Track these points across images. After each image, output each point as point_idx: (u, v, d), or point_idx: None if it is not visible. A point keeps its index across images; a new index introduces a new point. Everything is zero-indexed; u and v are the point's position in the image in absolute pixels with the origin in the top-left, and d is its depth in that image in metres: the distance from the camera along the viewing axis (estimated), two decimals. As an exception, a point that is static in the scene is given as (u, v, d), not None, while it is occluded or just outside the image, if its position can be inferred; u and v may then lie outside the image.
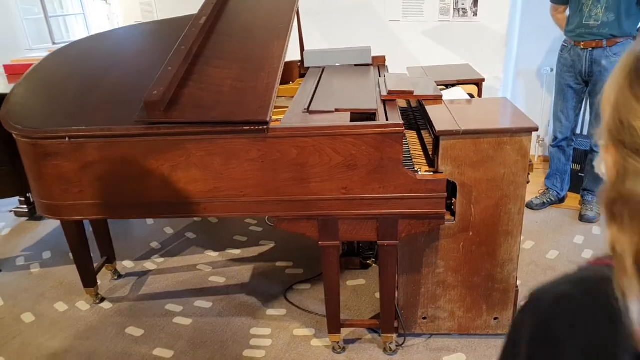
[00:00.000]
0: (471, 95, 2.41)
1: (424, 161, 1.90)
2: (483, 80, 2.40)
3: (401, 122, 1.67)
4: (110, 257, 2.52)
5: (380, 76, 2.51)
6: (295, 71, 2.88)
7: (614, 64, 2.56)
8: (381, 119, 1.82)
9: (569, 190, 3.20)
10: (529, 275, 2.45)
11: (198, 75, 1.85)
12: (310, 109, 1.89)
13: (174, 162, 1.71)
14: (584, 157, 3.05)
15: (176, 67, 1.80)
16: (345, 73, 2.56)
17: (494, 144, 1.72)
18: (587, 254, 2.59)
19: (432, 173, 1.80)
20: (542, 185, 3.24)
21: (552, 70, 3.36)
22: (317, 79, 2.43)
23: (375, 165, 1.69)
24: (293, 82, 2.83)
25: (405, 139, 2.12)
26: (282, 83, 2.83)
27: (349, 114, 1.84)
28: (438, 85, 2.39)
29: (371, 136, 1.65)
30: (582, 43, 2.64)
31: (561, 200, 3.12)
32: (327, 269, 1.87)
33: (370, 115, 1.90)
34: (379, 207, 1.73)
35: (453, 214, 1.84)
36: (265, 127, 1.64)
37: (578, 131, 3.32)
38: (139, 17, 4.05)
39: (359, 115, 1.91)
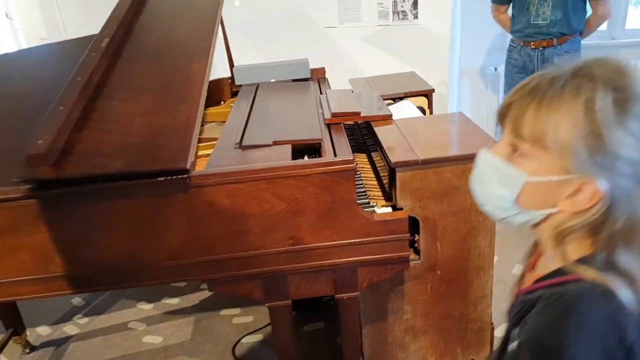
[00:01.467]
0: (421, 109, 2.20)
1: (380, 193, 1.65)
2: (432, 90, 2.19)
3: (352, 156, 1.41)
4: (17, 328, 2.11)
5: (321, 93, 2.26)
6: (226, 89, 2.57)
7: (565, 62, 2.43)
8: (328, 151, 1.55)
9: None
10: (499, 297, 2.26)
11: (99, 113, 1.51)
12: (244, 142, 1.60)
13: (75, 227, 1.37)
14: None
15: (70, 105, 1.45)
16: (282, 91, 2.27)
17: (458, 172, 1.50)
18: (553, 266, 2.44)
19: (390, 209, 1.56)
20: None
21: (495, 69, 3.24)
22: (251, 100, 2.14)
23: (325, 209, 1.42)
24: (224, 102, 2.51)
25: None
26: (212, 104, 2.52)
27: (289, 147, 1.56)
28: (385, 99, 2.16)
29: (318, 176, 1.38)
30: (532, 43, 2.49)
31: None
32: (278, 332, 1.58)
33: (315, 146, 1.64)
34: (334, 256, 1.46)
35: (417, 252, 1.61)
36: (186, 175, 1.33)
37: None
38: (43, 34, 3.57)
39: (302, 147, 1.64)
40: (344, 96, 2.01)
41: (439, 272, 1.63)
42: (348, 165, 1.38)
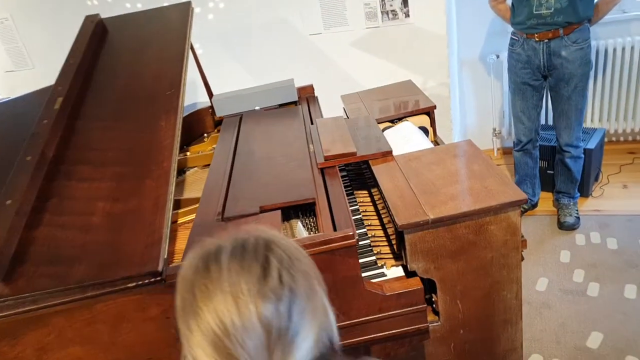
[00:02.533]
0: (424, 129, 1.98)
1: (387, 249, 1.46)
2: (433, 107, 1.97)
3: (351, 227, 1.22)
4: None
5: (311, 119, 2.04)
6: (207, 120, 2.35)
7: (574, 53, 2.19)
8: (323, 212, 1.35)
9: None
10: (525, 321, 2.08)
11: (56, 202, 1.31)
12: (227, 212, 1.39)
13: (40, 344, 1.18)
14: (551, 153, 2.71)
15: (19, 199, 1.25)
16: (267, 124, 2.05)
17: (474, 228, 1.30)
18: (579, 276, 2.26)
19: (401, 269, 1.37)
20: None
21: (497, 57, 2.99)
22: (234, 140, 1.92)
23: (327, 290, 1.22)
24: (207, 135, 2.30)
25: (356, 205, 1.67)
26: (193, 139, 2.31)
27: (279, 214, 1.36)
28: (383, 121, 1.94)
29: (314, 257, 1.18)
30: (536, 35, 2.25)
31: (534, 205, 2.78)
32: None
33: (310, 205, 1.44)
34: (342, 338, 1.28)
35: (436, 312, 1.42)
36: (160, 277, 1.13)
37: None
38: (10, 66, 3.33)
39: (294, 207, 1.44)
40: (337, 129, 1.79)
41: (461, 332, 1.44)
42: (348, 242, 1.18)
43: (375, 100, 2.16)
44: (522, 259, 1.38)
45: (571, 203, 2.61)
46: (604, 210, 2.67)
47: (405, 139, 1.82)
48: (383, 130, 1.96)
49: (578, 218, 2.58)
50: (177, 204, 1.66)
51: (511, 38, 2.37)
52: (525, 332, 2.01)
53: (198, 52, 2.95)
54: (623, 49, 2.89)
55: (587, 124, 3.18)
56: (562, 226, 2.56)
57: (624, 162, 3.07)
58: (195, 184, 1.82)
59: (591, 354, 1.88)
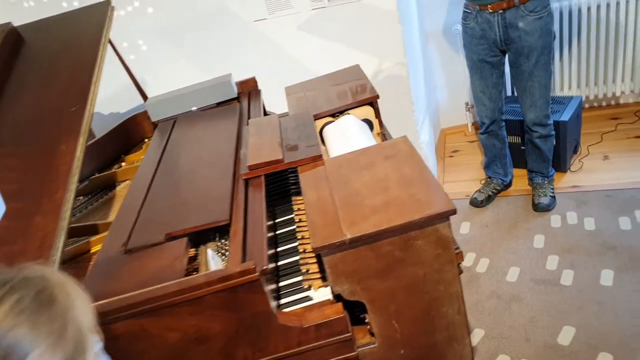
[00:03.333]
0: (368, 122, 1.82)
1: (317, 268, 1.32)
2: (376, 97, 1.81)
3: (261, 260, 1.08)
4: None
5: (247, 122, 1.89)
6: (146, 125, 2.20)
7: (532, 23, 2.01)
8: (237, 238, 1.22)
9: (513, 167, 2.72)
10: (493, 316, 1.96)
11: None
12: (131, 242, 1.26)
13: None
14: (521, 127, 2.53)
15: None
16: (200, 127, 1.90)
17: (400, 244, 1.16)
18: (553, 263, 2.12)
19: (330, 292, 1.23)
20: (482, 173, 2.73)
21: (463, 28, 2.79)
22: (162, 148, 1.78)
23: (235, 328, 1.10)
24: (147, 140, 2.15)
25: (292, 214, 1.53)
26: (132, 146, 2.16)
27: (185, 242, 1.23)
28: (324, 116, 1.79)
29: (213, 296, 1.05)
30: (489, 6, 2.05)
31: (507, 185, 2.63)
32: None
33: (225, 227, 1.30)
34: (262, 375, 1.16)
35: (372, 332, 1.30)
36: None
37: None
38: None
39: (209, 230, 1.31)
40: (268, 131, 1.64)
41: (402, 352, 1.32)
42: (250, 277, 1.04)
43: (319, 91, 1.99)
44: (461, 272, 1.24)
45: (545, 182, 2.45)
46: (583, 185, 2.51)
47: (345, 136, 1.67)
48: (324, 126, 1.81)
49: (553, 197, 2.43)
50: (95, 230, 1.53)
51: (464, 11, 2.18)
52: (493, 330, 1.90)
53: (142, 48, 2.79)
54: (598, 6, 2.68)
55: (564, 91, 3.00)
56: (536, 208, 2.41)
57: (605, 129, 2.90)
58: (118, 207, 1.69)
59: (562, 351, 1.76)
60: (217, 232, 1.34)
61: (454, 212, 1.13)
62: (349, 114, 1.81)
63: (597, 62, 2.85)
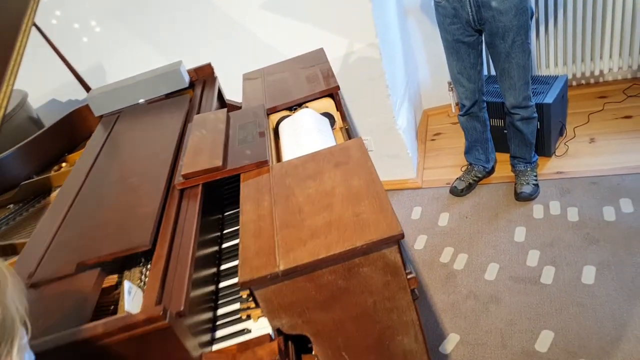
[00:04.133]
0: (328, 115, 1.65)
1: (257, 293, 1.17)
2: (337, 88, 1.62)
3: (177, 303, 0.93)
4: None
5: (199, 110, 1.72)
6: (91, 119, 2.01)
7: (506, 3, 1.82)
8: (156, 264, 1.06)
9: (496, 152, 2.56)
10: (470, 320, 1.84)
11: None
12: (38, 272, 1.11)
13: None
14: (502, 109, 2.35)
15: None
16: (143, 124, 1.73)
17: (342, 272, 1.01)
18: (533, 259, 1.98)
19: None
20: (462, 159, 2.57)
21: (442, 1, 2.57)
22: (97, 151, 1.61)
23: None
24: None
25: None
26: (77, 144, 1.99)
27: (96, 273, 1.07)
28: (281, 109, 1.62)
29: (118, 345, 0.91)
30: (460, -18, 1.85)
31: (490, 172, 2.47)
32: None
33: (147, 253, 1.14)
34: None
35: (321, 364, 1.16)
36: None
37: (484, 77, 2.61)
38: None
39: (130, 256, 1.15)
40: (211, 130, 1.47)
41: (357, 383, 1.19)
42: (158, 324, 0.89)
43: (277, 80, 1.81)
44: (416, 297, 1.09)
45: (528, 169, 2.29)
46: (567, 172, 2.36)
47: (298, 134, 1.50)
48: (279, 121, 1.64)
49: (536, 185, 2.27)
50: (14, 250, 1.37)
51: (435, -11, 1.97)
52: (468, 334, 1.78)
53: (95, 30, 2.58)
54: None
55: (550, 69, 2.81)
56: (518, 197, 2.26)
57: (593, 109, 2.72)
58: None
59: (539, 359, 1.63)
60: (143, 256, 1.18)
61: (401, 236, 0.97)
62: (307, 107, 1.64)
63: (583, 38, 2.65)
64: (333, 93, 1.64)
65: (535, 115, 2.16)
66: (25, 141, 1.83)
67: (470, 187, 2.42)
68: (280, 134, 1.58)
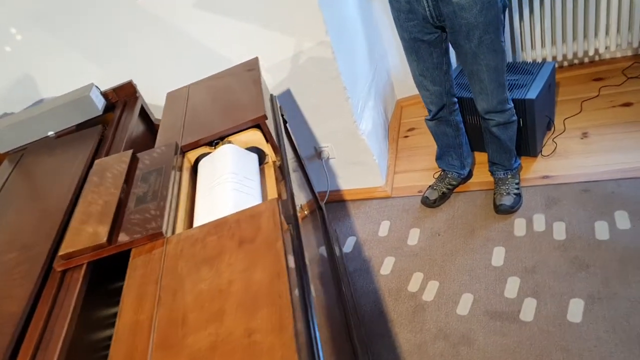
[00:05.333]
0: (256, 150, 1.38)
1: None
2: (263, 118, 1.35)
3: None
4: None
5: (115, 129, 1.46)
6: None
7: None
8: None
9: (473, 150, 2.29)
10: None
11: None
12: None
13: None
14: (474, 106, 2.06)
15: None
16: (43, 168, 1.47)
17: (229, 418, 0.77)
18: (512, 289, 1.74)
19: None
20: (433, 165, 2.30)
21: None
22: (-13, 206, 1.36)
23: None
24: None
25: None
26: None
27: None
28: (202, 144, 1.35)
29: None
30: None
31: (466, 178, 2.21)
32: None
33: None
34: None
35: None
36: None
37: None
38: None
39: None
40: (106, 184, 1.21)
41: None
42: None
43: (200, 105, 1.53)
44: None
45: (508, 176, 2.03)
46: (555, 176, 2.09)
47: (213, 188, 1.23)
48: (199, 158, 1.37)
49: (518, 195, 2.01)
50: None
51: (389, -18, 1.66)
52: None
53: (16, 38, 2.28)
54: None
55: (536, 51, 2.49)
56: (497, 210, 2.01)
57: (586, 94, 2.42)
58: None
59: (515, 420, 1.42)
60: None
61: (299, 378, 0.73)
62: (229, 142, 1.37)
63: (574, 13, 2.34)
64: (260, 123, 1.37)
65: (514, 118, 1.88)
66: None
67: (444, 197, 2.16)
68: (197, 180, 1.32)
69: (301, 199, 1.79)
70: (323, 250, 1.77)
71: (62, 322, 0.96)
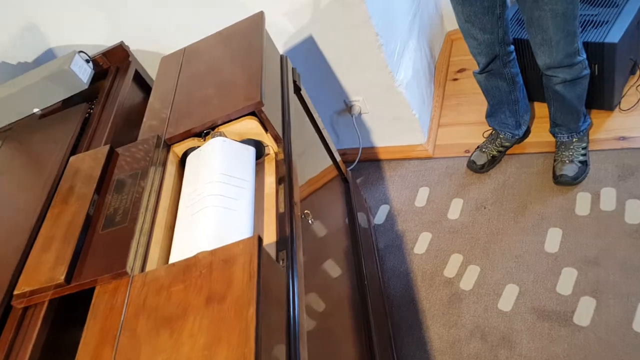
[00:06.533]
0: (255, 143, 1.15)
1: None
2: (259, 104, 1.10)
3: None
4: None
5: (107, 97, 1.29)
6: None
7: None
8: None
9: (532, 100, 1.93)
10: (471, 370, 1.44)
11: None
12: None
13: None
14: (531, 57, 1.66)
15: None
16: (21, 158, 1.31)
17: None
18: (568, 283, 1.49)
19: None
20: (480, 128, 1.95)
21: None
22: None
23: None
24: None
25: None
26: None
27: None
28: (189, 136, 1.14)
29: None
30: None
31: (522, 138, 1.87)
32: None
33: None
34: None
35: None
36: None
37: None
38: None
39: None
40: (75, 198, 1.04)
41: None
42: None
43: (193, 80, 1.29)
44: None
45: (573, 140, 1.68)
46: (635, 137, 1.71)
47: (194, 196, 1.03)
48: (187, 152, 1.16)
49: (584, 164, 1.67)
50: None
51: None
52: None
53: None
54: None
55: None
56: (557, 180, 1.69)
57: (685, 26, 1.93)
58: None
59: None
60: None
61: None
62: (220, 132, 1.13)
63: None
64: (257, 111, 1.12)
65: (586, 72, 1.50)
66: None
67: (493, 161, 1.85)
68: (183, 183, 1.12)
69: (323, 164, 1.57)
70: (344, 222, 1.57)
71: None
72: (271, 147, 1.18)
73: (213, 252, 0.85)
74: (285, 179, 1.09)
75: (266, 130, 1.15)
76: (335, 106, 2.04)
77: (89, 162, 1.13)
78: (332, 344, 1.17)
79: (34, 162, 1.26)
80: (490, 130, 1.89)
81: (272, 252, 0.97)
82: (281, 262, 0.95)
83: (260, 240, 0.83)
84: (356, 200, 1.74)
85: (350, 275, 1.42)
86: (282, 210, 1.03)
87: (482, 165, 1.84)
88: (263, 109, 1.11)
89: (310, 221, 1.15)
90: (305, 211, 1.13)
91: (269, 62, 1.28)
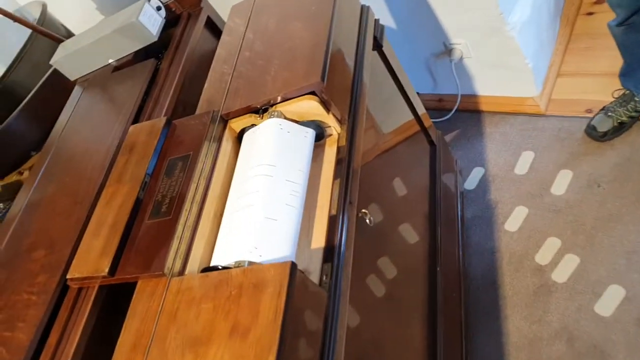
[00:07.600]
0: (314, 126, 1.02)
1: None
2: (319, 84, 0.95)
3: None
4: None
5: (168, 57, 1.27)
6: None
7: None
8: None
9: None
10: None
11: None
12: None
13: None
14: None
15: None
16: (94, 112, 1.32)
17: None
18: (692, 294, 1.23)
19: None
20: (612, 82, 1.57)
21: None
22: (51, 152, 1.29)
23: None
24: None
25: None
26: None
27: None
28: (244, 113, 1.06)
29: None
30: None
31: (663, 102, 1.50)
32: None
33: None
34: None
35: None
36: None
37: None
38: None
39: None
40: (128, 178, 1.01)
41: None
42: None
43: (260, 35, 1.15)
44: None
45: None
46: None
47: (240, 187, 0.95)
48: (243, 132, 1.06)
49: None
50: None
51: None
52: None
53: None
54: None
55: None
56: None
57: None
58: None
59: None
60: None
61: None
62: (276, 112, 1.01)
63: None
64: (317, 91, 0.97)
65: None
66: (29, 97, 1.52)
67: (620, 128, 1.52)
68: (236, 165, 1.03)
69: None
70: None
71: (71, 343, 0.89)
72: (334, 127, 1.04)
73: (245, 272, 0.78)
74: (343, 173, 0.96)
75: (327, 110, 1.00)
76: (434, 48, 1.78)
77: (145, 136, 1.09)
78: (388, 320, 1.09)
79: (100, 125, 1.25)
80: (623, 91, 1.53)
81: (317, 262, 0.88)
82: (325, 277, 0.86)
83: (293, 268, 0.74)
84: (442, 160, 1.55)
85: (421, 246, 1.30)
86: (334, 211, 0.92)
87: (605, 132, 1.53)
88: (324, 88, 0.96)
89: (368, 221, 1.03)
90: (363, 210, 1.01)
91: (341, 21, 1.09)
